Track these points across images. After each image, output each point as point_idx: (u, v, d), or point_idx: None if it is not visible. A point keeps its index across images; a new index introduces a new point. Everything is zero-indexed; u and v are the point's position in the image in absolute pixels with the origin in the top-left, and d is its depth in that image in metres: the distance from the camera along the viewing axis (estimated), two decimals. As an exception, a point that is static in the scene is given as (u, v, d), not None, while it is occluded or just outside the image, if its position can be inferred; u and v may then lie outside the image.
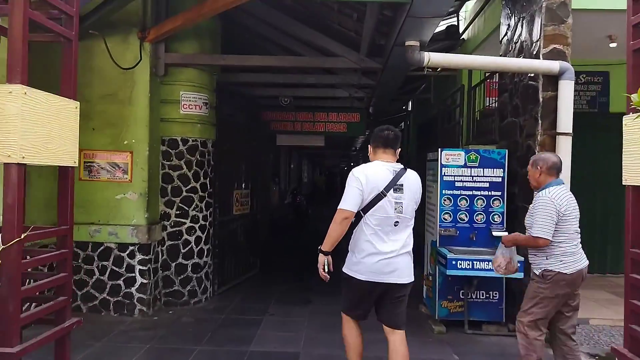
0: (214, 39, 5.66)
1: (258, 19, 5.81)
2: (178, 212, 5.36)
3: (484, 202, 4.78)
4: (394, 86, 5.97)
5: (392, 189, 2.86)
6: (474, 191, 4.78)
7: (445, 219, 4.80)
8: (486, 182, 4.78)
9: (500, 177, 4.78)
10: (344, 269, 3.02)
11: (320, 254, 2.95)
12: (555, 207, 3.11)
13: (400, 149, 3.06)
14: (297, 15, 5.39)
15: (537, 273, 3.23)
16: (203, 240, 5.54)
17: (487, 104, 6.57)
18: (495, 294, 4.79)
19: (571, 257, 3.14)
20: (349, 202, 2.83)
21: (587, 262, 3.24)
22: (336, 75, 6.21)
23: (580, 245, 3.26)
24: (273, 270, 7.44)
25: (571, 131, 4.34)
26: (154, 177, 5.20)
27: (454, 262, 4.34)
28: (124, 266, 4.99)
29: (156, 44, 5.09)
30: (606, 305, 5.71)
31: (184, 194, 5.37)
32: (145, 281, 4.99)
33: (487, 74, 6.39)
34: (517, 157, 4.89)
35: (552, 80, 4.43)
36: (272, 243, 9.97)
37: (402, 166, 2.99)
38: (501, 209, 4.78)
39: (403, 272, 2.92)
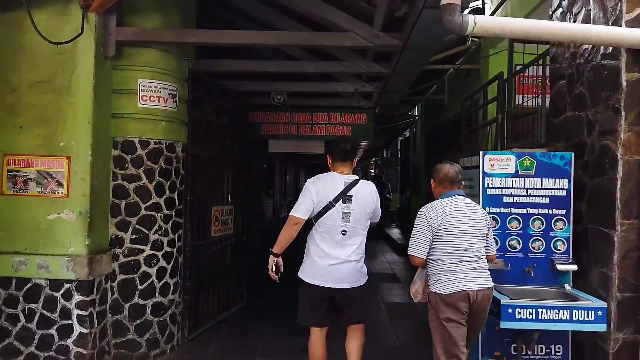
0: (184, 13, 4.44)
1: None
2: (134, 236, 4.09)
3: (542, 223, 3.53)
4: (412, 74, 4.76)
5: (340, 200, 3.05)
6: (529, 209, 3.53)
7: (491, 247, 3.54)
8: (545, 196, 3.53)
9: (564, 189, 3.53)
10: (298, 274, 3.21)
11: (270, 255, 3.19)
12: (427, 222, 2.88)
13: (357, 159, 3.34)
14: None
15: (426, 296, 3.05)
16: (169, 272, 4.27)
17: (518, 103, 5.38)
18: (559, 348, 3.53)
19: (449, 276, 2.83)
20: (300, 210, 3.07)
21: (479, 286, 2.83)
22: (340, 62, 4.98)
23: (473, 264, 2.86)
24: (263, 303, 6.15)
25: (669, 126, 3.13)
26: (101, 190, 3.94)
27: (510, 311, 3.06)
28: (58, 310, 3.70)
29: (105, 14, 3.87)
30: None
31: (143, 212, 4.11)
32: (85, 330, 3.70)
33: (516, 68, 5.17)
34: (584, 162, 3.65)
35: (638, 57, 3.23)
36: (264, 265, 8.70)
37: (355, 178, 3.15)
38: (566, 233, 3.53)
39: (350, 278, 3.09)
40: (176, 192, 4.37)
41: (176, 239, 4.38)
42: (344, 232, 3.05)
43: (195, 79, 4.67)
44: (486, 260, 2.98)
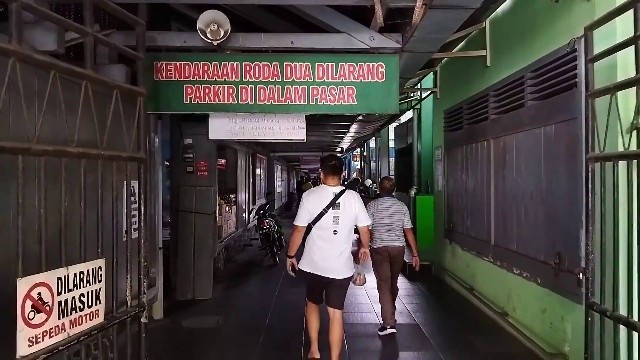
0: None
1: None
2: None
3: None
4: None
5: (331, 207, 3.90)
6: None
7: None
8: None
9: None
10: (299, 266, 4.06)
11: (287, 258, 4.12)
12: (370, 210, 4.93)
13: (343, 172, 4.73)
14: None
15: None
16: None
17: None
18: None
19: (378, 238, 5.09)
20: (300, 219, 3.94)
21: (392, 244, 5.09)
22: None
23: (391, 233, 5.11)
24: None
25: None
26: None
27: None
28: None
29: None
30: None
31: None
32: None
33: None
34: None
35: None
36: (217, 309, 5.59)
37: (342, 188, 4.01)
38: None
39: (339, 270, 3.96)
40: None
41: None
42: (335, 232, 3.90)
43: None
44: (402, 230, 5.17)
